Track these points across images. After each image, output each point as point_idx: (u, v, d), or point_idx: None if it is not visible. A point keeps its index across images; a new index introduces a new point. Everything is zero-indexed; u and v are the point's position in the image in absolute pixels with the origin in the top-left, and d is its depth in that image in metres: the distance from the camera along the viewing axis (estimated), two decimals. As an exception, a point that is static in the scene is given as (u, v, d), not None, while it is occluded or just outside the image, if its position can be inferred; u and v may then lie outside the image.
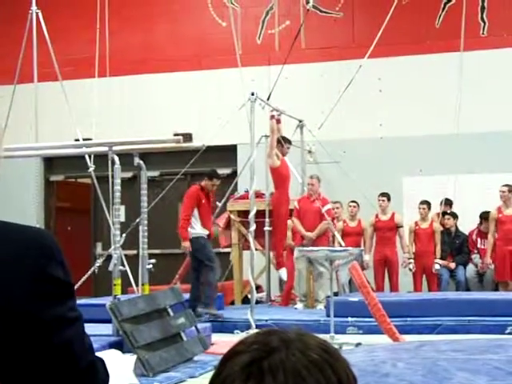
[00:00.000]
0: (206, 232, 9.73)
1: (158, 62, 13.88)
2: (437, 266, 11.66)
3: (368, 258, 11.64)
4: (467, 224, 11.98)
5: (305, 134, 11.80)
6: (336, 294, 10.01)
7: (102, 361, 1.33)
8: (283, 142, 10.88)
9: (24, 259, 1.23)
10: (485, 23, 12.78)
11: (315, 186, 10.95)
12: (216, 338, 8.29)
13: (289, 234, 11.33)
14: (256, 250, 9.98)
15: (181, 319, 7.51)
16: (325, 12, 13.43)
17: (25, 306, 1.20)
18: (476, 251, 11.85)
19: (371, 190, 11.53)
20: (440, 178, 11.89)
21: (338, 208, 11.67)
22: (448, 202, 11.99)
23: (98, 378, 1.31)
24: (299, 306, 10.74)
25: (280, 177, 10.91)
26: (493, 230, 11.41)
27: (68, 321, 1.26)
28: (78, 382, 1.26)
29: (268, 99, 10.65)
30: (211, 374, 1.10)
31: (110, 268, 7.50)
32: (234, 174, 12.90)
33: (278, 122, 10.93)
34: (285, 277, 11.27)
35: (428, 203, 11.78)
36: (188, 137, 13.03)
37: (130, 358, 6.27)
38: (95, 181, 10.13)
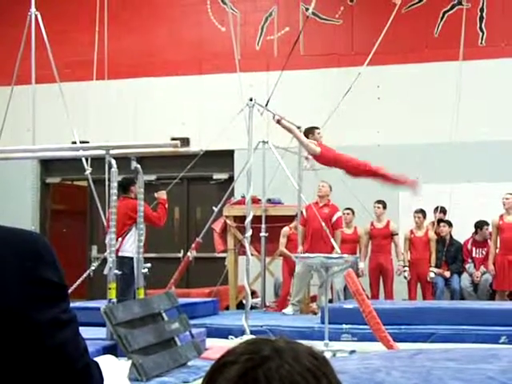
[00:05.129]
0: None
1: (157, 65, 13.88)
2: (432, 275, 11.66)
3: (363, 265, 11.65)
4: (464, 233, 11.96)
5: (302, 140, 11.73)
6: (331, 301, 9.99)
7: (96, 364, 1.33)
8: (310, 133, 10.05)
9: (16, 262, 1.22)
10: (483, 33, 12.80)
11: (324, 188, 10.93)
12: (210, 343, 8.27)
13: (283, 240, 11.30)
14: (252, 255, 9.96)
15: (175, 324, 7.50)
16: (324, 19, 13.45)
17: (18, 308, 1.20)
18: (470, 260, 11.84)
19: (368, 198, 11.53)
20: (437, 186, 11.88)
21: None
22: (442, 210, 11.99)
23: (93, 380, 1.30)
24: (289, 310, 10.68)
25: (328, 159, 10.02)
26: (494, 238, 11.38)
27: (62, 323, 1.25)
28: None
29: (266, 105, 10.64)
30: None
31: (105, 272, 7.49)
32: (231, 179, 12.90)
33: (278, 122, 10.70)
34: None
35: (423, 212, 11.78)
36: (185, 141, 13.03)
37: (125, 364, 6.25)
38: (91, 183, 10.11)
